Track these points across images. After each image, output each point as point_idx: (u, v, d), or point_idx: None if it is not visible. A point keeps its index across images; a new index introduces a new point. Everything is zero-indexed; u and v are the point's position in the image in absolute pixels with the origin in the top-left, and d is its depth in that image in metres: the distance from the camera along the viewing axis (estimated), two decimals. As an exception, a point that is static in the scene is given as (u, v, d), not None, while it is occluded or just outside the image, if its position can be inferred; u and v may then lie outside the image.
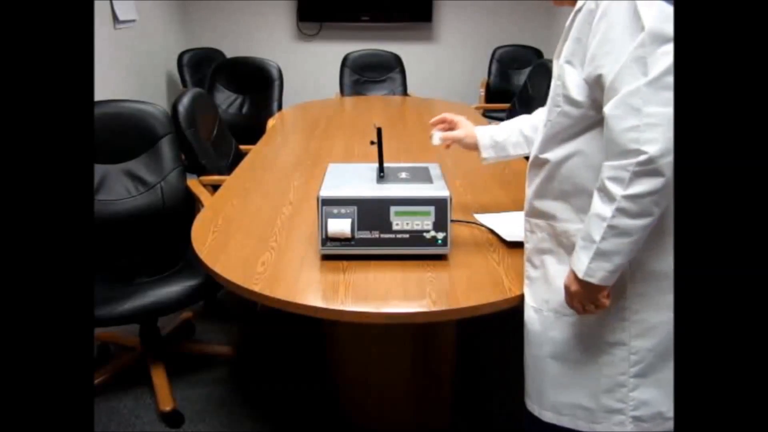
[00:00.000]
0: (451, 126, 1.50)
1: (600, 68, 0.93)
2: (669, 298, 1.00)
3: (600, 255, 0.94)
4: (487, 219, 1.56)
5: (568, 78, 1.00)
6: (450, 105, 3.36)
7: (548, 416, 1.15)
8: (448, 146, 1.51)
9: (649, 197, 0.87)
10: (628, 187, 0.88)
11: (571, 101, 1.01)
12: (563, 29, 1.08)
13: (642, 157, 0.85)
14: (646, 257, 0.99)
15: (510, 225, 1.50)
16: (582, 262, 0.97)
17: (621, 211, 0.90)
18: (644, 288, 1.01)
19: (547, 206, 1.11)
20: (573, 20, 1.03)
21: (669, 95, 0.84)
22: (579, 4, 1.00)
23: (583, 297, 1.00)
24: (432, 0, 4.55)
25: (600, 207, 0.92)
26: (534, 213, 1.15)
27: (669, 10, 0.86)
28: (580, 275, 0.97)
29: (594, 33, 0.94)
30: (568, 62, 1.00)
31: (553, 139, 1.06)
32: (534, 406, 1.19)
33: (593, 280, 0.96)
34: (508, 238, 1.43)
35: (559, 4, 1.13)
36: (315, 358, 2.13)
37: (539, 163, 1.10)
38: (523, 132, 1.43)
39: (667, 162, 0.85)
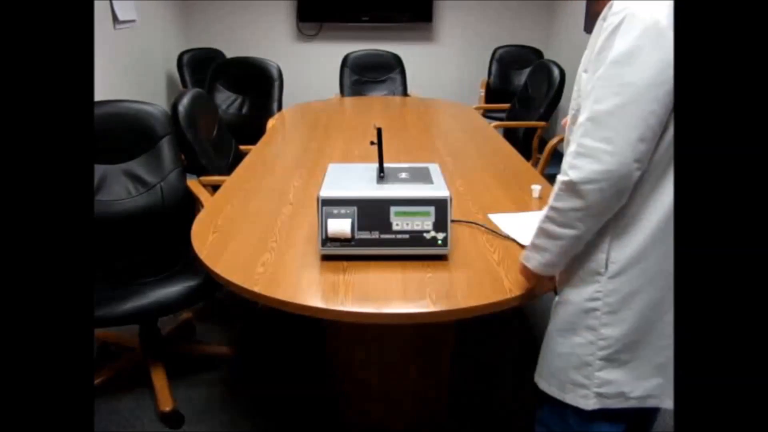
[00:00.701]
0: None
1: (588, 82, 1.00)
2: (639, 298, 1.06)
3: (533, 247, 1.12)
4: (501, 219, 1.56)
5: (582, 86, 1.06)
6: (450, 105, 3.36)
7: (535, 376, 1.25)
8: None
9: (571, 213, 1.00)
10: (555, 200, 1.02)
11: (581, 109, 1.06)
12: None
13: (566, 179, 0.98)
14: (620, 258, 1.06)
15: (527, 228, 1.50)
16: (526, 248, 1.15)
17: (549, 218, 1.05)
18: (617, 286, 1.07)
19: None
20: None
21: (604, 133, 0.93)
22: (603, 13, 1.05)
23: (525, 275, 1.20)
24: (432, 0, 4.55)
25: (544, 209, 1.07)
26: None
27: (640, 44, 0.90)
28: (520, 258, 1.17)
29: (598, 43, 0.99)
30: (585, 71, 1.06)
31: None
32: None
33: (529, 265, 1.15)
34: (525, 242, 1.42)
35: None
36: (315, 358, 2.13)
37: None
38: None
39: (588, 189, 0.96)
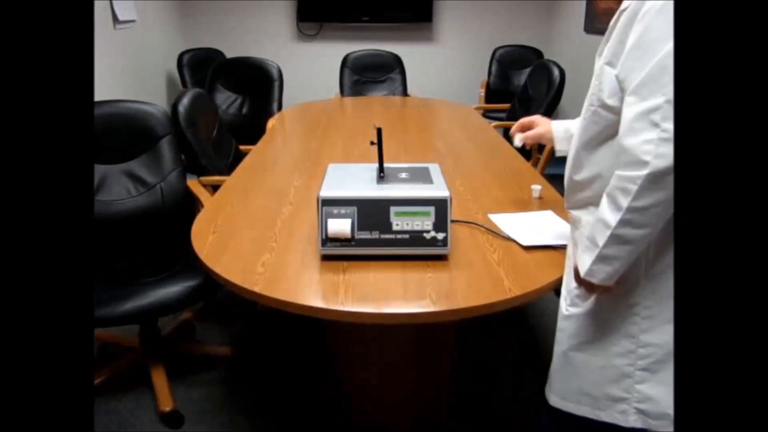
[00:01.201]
0: (529, 127, 1.52)
1: (629, 71, 0.93)
2: None
3: (602, 259, 0.99)
4: (501, 219, 1.56)
5: (606, 80, 1.00)
6: (450, 105, 3.36)
7: (553, 399, 1.18)
8: (530, 146, 1.56)
9: (654, 209, 0.90)
10: (636, 199, 0.90)
11: (603, 105, 1.01)
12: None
13: (652, 170, 0.87)
14: (660, 258, 1.02)
15: (527, 228, 1.50)
16: (584, 263, 1.02)
17: (626, 222, 0.93)
18: (656, 286, 1.03)
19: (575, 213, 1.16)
20: (617, 20, 1.04)
21: None
22: (624, 4, 1.01)
23: (586, 289, 1.07)
24: (432, 0, 4.55)
25: (606, 213, 0.96)
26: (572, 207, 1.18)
27: None
28: (582, 274, 1.03)
29: (632, 34, 0.94)
30: (609, 63, 1.00)
31: (584, 150, 1.08)
32: (547, 391, 1.22)
33: (594, 280, 1.02)
34: (525, 242, 1.43)
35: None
36: (315, 358, 2.13)
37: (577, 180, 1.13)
38: None
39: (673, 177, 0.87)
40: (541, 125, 1.50)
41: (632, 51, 0.93)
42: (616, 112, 0.99)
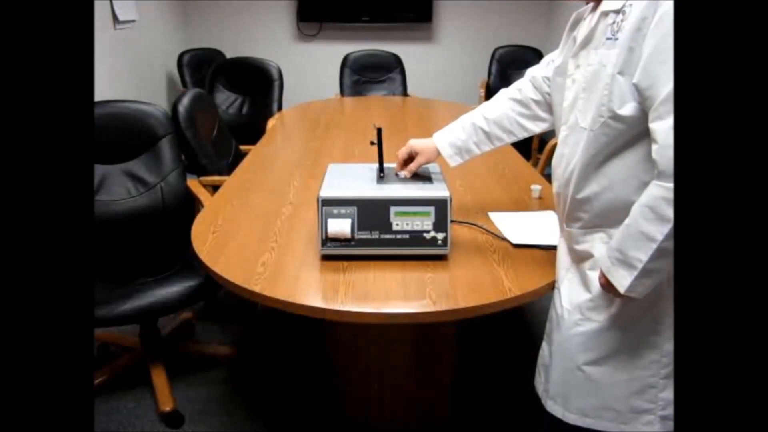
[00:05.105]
0: (410, 156, 1.46)
1: (654, 77, 0.90)
2: None
3: (646, 273, 0.94)
4: (500, 218, 1.57)
5: (616, 90, 0.97)
6: (450, 105, 3.36)
7: (572, 418, 1.15)
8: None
9: None
10: None
11: (614, 115, 0.98)
12: (564, 29, 1.08)
13: None
14: None
15: (522, 227, 1.50)
16: (623, 280, 0.97)
17: (672, 235, 0.89)
18: None
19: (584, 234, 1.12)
20: (597, 23, 1.02)
21: None
22: (609, 5, 0.99)
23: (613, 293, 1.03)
24: (432, 0, 4.55)
25: (648, 226, 0.91)
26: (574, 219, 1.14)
27: None
28: (622, 291, 0.98)
29: (649, 40, 0.91)
30: (620, 73, 0.97)
31: (589, 165, 1.05)
32: (557, 408, 1.18)
33: (634, 295, 0.98)
34: (515, 240, 1.43)
35: None
36: (315, 358, 2.13)
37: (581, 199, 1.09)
38: (482, 129, 1.43)
39: None
40: (420, 153, 1.44)
41: (654, 57, 0.90)
42: (628, 121, 0.97)
